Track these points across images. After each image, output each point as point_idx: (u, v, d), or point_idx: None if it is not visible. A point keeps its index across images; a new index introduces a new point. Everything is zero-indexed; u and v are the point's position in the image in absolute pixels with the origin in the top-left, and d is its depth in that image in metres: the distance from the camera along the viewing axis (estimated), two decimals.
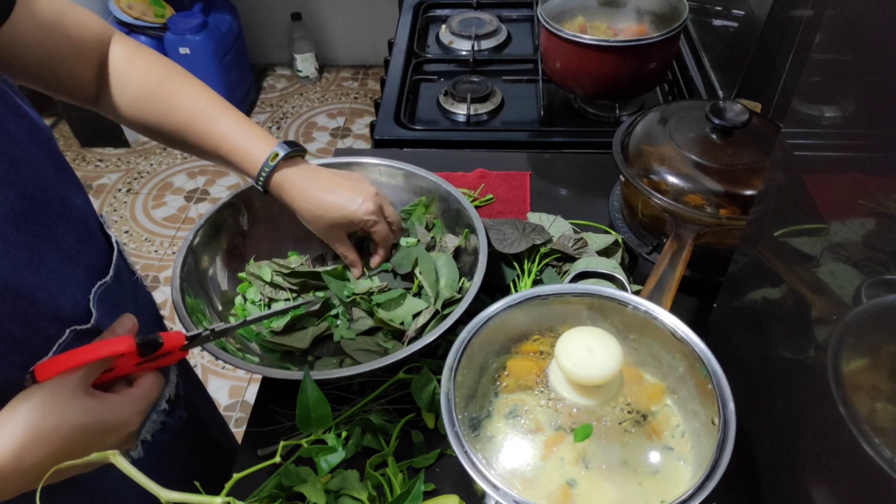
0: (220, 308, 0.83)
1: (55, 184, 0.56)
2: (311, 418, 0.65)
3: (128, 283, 0.68)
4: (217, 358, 0.71)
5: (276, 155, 0.73)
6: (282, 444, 0.61)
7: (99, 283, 0.59)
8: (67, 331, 0.55)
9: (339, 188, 0.77)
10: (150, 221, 2.46)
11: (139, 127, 0.74)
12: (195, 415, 0.83)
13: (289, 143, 0.75)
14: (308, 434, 0.66)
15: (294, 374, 0.69)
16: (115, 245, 0.64)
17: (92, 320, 0.57)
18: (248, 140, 0.74)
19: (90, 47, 0.68)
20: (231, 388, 1.95)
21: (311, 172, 0.77)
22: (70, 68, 0.67)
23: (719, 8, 1.29)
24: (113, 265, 0.62)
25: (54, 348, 0.54)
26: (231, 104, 0.76)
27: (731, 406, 0.57)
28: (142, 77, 0.71)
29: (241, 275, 0.87)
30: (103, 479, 0.64)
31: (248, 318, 0.69)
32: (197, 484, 0.57)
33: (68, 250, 0.56)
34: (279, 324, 0.81)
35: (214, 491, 0.57)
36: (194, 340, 0.59)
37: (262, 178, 0.74)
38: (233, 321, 0.82)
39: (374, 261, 0.84)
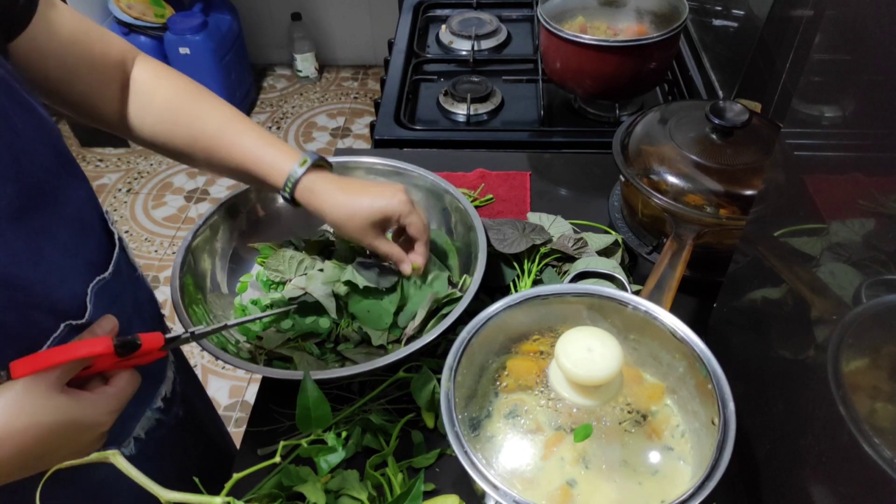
0: (219, 308, 0.83)
1: (57, 179, 0.56)
2: (311, 418, 0.65)
3: (128, 279, 0.68)
4: (217, 358, 0.71)
5: (306, 161, 0.73)
6: (282, 443, 0.61)
7: (97, 278, 0.60)
8: (62, 325, 0.55)
9: (369, 187, 0.76)
10: (150, 221, 2.46)
11: (163, 147, 0.73)
12: (192, 412, 0.83)
13: (316, 154, 0.75)
14: (308, 434, 0.66)
15: (294, 373, 0.69)
16: (116, 241, 0.65)
17: (86, 315, 0.58)
18: (275, 152, 0.73)
19: (113, 66, 0.68)
20: (231, 388, 1.95)
21: (338, 179, 0.75)
22: (91, 86, 0.66)
23: (719, 8, 1.29)
24: (113, 261, 0.63)
25: (48, 342, 0.54)
26: (253, 121, 0.75)
27: (731, 406, 0.57)
28: (166, 96, 0.71)
29: (242, 279, 0.87)
30: (97, 473, 0.65)
31: (228, 323, 0.68)
32: (196, 480, 0.57)
33: (66, 244, 0.56)
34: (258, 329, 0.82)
35: (210, 490, 0.57)
36: (173, 342, 0.59)
37: (289, 185, 0.72)
38: (233, 321, 0.82)
39: (417, 259, 0.79)
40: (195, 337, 0.63)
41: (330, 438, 0.67)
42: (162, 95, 0.71)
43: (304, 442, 0.65)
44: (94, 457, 0.51)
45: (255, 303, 0.85)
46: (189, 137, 0.72)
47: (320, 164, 0.75)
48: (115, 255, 0.63)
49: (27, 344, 0.53)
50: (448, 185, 0.86)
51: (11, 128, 0.51)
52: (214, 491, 0.56)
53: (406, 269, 0.79)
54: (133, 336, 0.55)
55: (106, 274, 0.61)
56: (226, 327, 0.67)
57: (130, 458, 0.66)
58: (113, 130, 0.72)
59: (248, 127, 0.74)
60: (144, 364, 0.57)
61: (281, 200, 0.90)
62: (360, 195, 0.74)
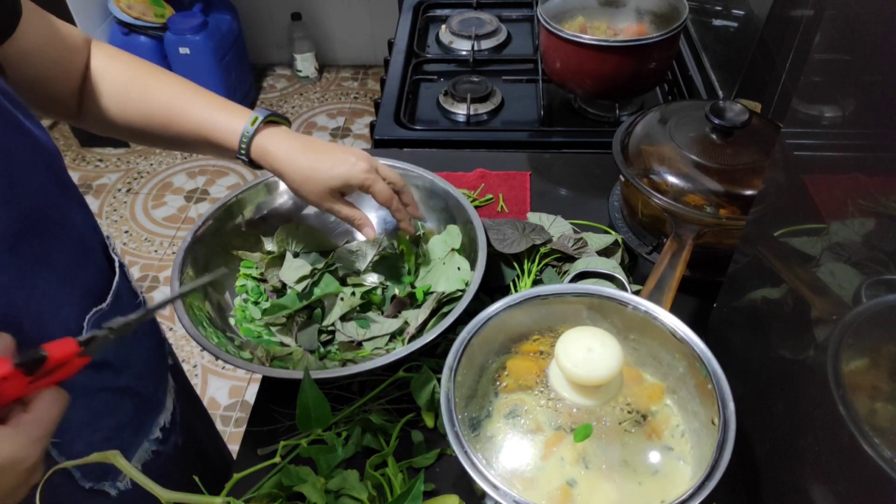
0: (219, 308, 0.83)
1: (55, 203, 0.55)
2: (311, 418, 0.65)
3: (129, 308, 0.65)
4: (217, 358, 0.71)
5: (256, 119, 0.70)
6: (282, 443, 0.61)
7: (95, 309, 0.58)
8: None
9: (329, 150, 0.72)
10: (150, 221, 2.46)
11: (122, 126, 0.72)
12: (191, 438, 0.81)
13: (269, 111, 0.73)
14: (308, 434, 0.66)
15: (294, 373, 0.69)
16: (117, 269, 0.63)
17: None
18: (227, 114, 0.71)
19: (78, 58, 0.68)
20: (231, 388, 1.95)
21: (296, 137, 0.73)
22: (62, 81, 0.66)
23: (719, 8, 1.29)
24: (112, 290, 0.61)
25: None
26: (205, 90, 0.74)
27: (731, 406, 0.57)
28: (117, 75, 0.70)
29: (240, 276, 0.87)
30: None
31: (150, 307, 0.53)
32: (196, 479, 0.57)
33: (63, 272, 0.54)
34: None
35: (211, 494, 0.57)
36: (91, 343, 0.47)
37: (243, 145, 0.70)
38: (232, 322, 0.82)
39: (403, 226, 0.77)
40: (115, 332, 0.48)
41: (330, 438, 0.67)
42: (113, 75, 0.70)
43: (304, 442, 0.66)
44: (95, 457, 0.51)
45: (255, 303, 0.85)
46: (143, 111, 0.70)
47: (274, 119, 0.73)
48: (114, 283, 0.61)
49: None
50: (448, 185, 0.86)
51: (5, 152, 0.50)
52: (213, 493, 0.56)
53: (369, 233, 0.76)
54: (36, 349, 0.44)
55: (104, 304, 0.59)
56: (148, 313, 0.52)
57: (125, 494, 0.64)
58: (73, 121, 0.71)
59: (199, 94, 0.72)
60: (67, 377, 0.46)
61: (280, 200, 0.91)
62: (320, 158, 0.71)
